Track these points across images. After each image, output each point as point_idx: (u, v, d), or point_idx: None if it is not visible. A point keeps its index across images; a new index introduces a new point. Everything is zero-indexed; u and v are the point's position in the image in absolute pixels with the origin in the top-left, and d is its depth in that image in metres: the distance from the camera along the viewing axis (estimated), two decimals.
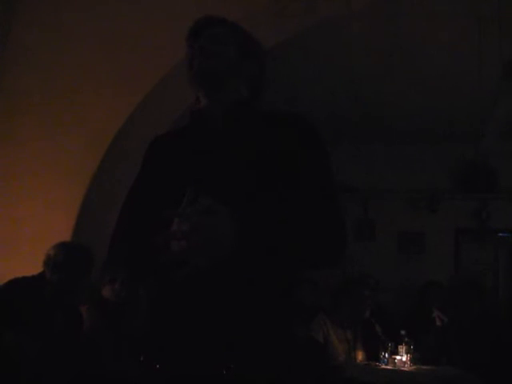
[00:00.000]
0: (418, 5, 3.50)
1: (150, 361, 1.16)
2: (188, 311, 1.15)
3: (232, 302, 1.12)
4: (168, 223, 1.06)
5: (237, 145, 1.24)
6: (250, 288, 1.13)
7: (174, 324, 1.17)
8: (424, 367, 3.48)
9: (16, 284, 2.61)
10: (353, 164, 5.66)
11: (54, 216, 3.20)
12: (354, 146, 5.75)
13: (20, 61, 3.43)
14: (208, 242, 1.03)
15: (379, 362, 3.55)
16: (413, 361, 3.52)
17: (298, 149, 1.23)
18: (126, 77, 3.24)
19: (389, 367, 3.47)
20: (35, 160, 3.27)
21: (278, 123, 1.27)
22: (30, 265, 2.76)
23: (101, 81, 3.27)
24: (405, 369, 3.46)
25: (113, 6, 3.31)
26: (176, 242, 1.04)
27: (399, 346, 3.58)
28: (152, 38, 3.19)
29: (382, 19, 3.66)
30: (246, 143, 1.24)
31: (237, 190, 1.17)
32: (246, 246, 1.06)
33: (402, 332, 3.66)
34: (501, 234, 5.81)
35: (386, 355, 3.53)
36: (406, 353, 3.53)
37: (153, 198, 1.27)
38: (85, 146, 3.24)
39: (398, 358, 3.52)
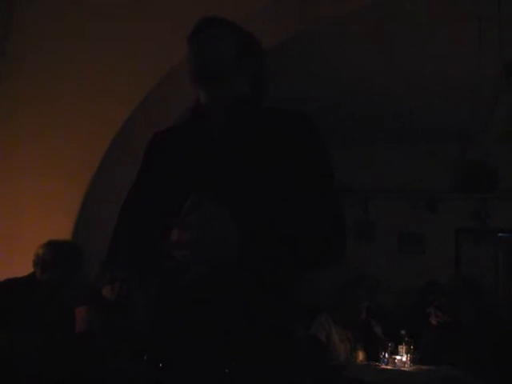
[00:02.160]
0: (418, 5, 3.50)
1: (154, 360, 1.16)
2: (191, 312, 1.15)
3: (234, 304, 1.12)
4: (169, 226, 1.06)
5: (238, 145, 1.24)
6: (252, 290, 1.13)
7: (177, 325, 1.17)
8: (424, 367, 3.48)
9: (8, 285, 2.60)
10: (353, 164, 5.67)
11: (54, 216, 3.20)
12: (354, 147, 5.75)
13: (20, 60, 3.43)
14: (210, 250, 1.03)
15: (379, 362, 3.54)
16: (413, 361, 3.52)
17: (300, 148, 1.23)
18: (126, 77, 3.24)
19: (389, 367, 3.47)
20: (35, 160, 3.28)
21: (280, 122, 1.27)
22: (30, 265, 2.76)
23: (101, 81, 3.27)
24: (405, 369, 3.46)
25: (113, 6, 3.31)
26: (177, 250, 1.04)
27: (399, 346, 3.58)
28: (152, 37, 3.19)
29: (382, 19, 3.66)
30: (247, 143, 1.24)
31: (238, 192, 1.17)
32: (248, 251, 1.06)
33: (402, 332, 3.66)
34: (501, 234, 5.81)
35: (386, 355, 3.53)
36: (406, 353, 3.53)
37: (153, 199, 1.26)
38: (85, 145, 3.24)
39: (398, 357, 3.52)
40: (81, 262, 2.72)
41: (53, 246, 2.69)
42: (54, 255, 2.65)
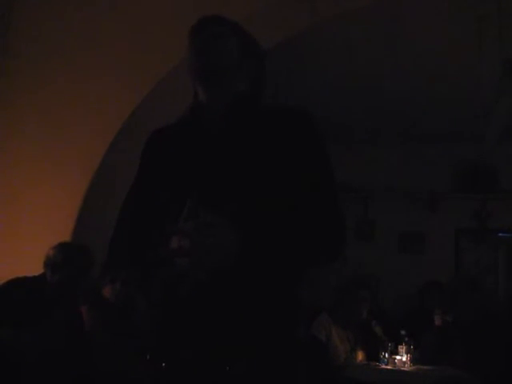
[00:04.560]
0: (418, 5, 3.50)
1: (156, 359, 1.16)
2: (191, 316, 1.15)
3: (235, 305, 1.13)
4: (167, 234, 1.07)
5: (237, 144, 1.24)
6: (253, 292, 1.13)
7: (178, 326, 1.17)
8: (424, 367, 3.48)
9: (17, 283, 2.61)
10: (353, 164, 5.66)
11: (54, 216, 3.20)
12: (355, 146, 5.75)
13: (21, 56, 3.42)
14: (209, 256, 1.03)
15: (379, 362, 3.55)
16: (413, 361, 3.52)
17: (298, 146, 1.22)
18: (125, 77, 3.24)
19: (389, 367, 3.47)
20: (35, 159, 3.27)
21: (279, 120, 1.26)
22: (29, 264, 2.76)
23: (101, 81, 3.26)
24: (405, 369, 3.46)
25: (113, 5, 3.31)
26: (178, 258, 1.04)
27: (399, 346, 3.58)
28: (152, 37, 3.19)
29: (382, 19, 3.66)
30: (246, 142, 1.24)
31: (237, 192, 1.17)
32: (248, 256, 1.06)
33: (402, 332, 3.66)
34: (501, 234, 5.81)
35: (386, 355, 3.53)
36: (406, 353, 3.53)
37: (152, 200, 1.26)
38: (85, 145, 3.24)
39: (398, 357, 3.52)
40: (90, 264, 2.74)
41: (63, 248, 2.71)
42: (64, 257, 2.67)
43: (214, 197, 1.12)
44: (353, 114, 5.21)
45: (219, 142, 1.25)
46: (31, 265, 2.73)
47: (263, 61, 1.39)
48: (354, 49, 4.08)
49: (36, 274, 2.71)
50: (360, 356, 3.69)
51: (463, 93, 4.47)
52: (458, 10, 3.48)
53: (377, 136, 5.67)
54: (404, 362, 3.50)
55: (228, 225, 1.05)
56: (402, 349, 3.55)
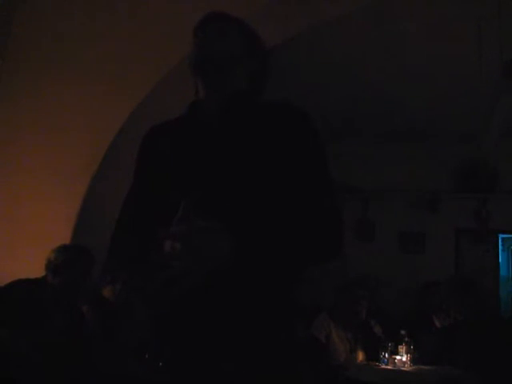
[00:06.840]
0: (418, 5, 3.50)
1: (154, 359, 1.16)
2: (188, 318, 1.15)
3: (230, 307, 1.13)
4: (161, 237, 1.07)
5: (233, 144, 1.23)
6: (248, 293, 1.14)
7: (174, 328, 1.18)
8: (424, 367, 3.48)
9: (18, 285, 2.61)
10: (353, 164, 5.67)
11: (54, 216, 3.20)
12: (354, 146, 5.75)
13: (20, 58, 3.43)
14: (200, 260, 1.03)
15: (379, 362, 3.55)
16: (413, 361, 3.53)
17: (295, 145, 1.22)
18: (126, 76, 3.24)
19: (389, 367, 3.48)
20: (35, 160, 3.27)
21: (275, 119, 1.26)
22: (29, 265, 2.76)
23: (101, 80, 3.26)
24: (405, 369, 3.46)
25: (114, 6, 3.31)
26: (171, 260, 1.04)
27: (399, 346, 3.58)
28: (152, 38, 3.19)
29: (382, 19, 3.66)
30: (242, 142, 1.23)
31: (232, 194, 1.17)
32: (243, 258, 1.06)
33: (402, 332, 3.66)
34: (501, 234, 5.81)
35: (386, 355, 3.53)
36: (406, 353, 3.54)
37: (150, 200, 1.27)
38: (85, 145, 3.24)
39: (398, 357, 3.53)
40: (91, 266, 2.74)
41: (64, 251, 2.72)
42: (65, 260, 2.67)
43: (209, 196, 1.12)
44: (353, 114, 5.21)
45: (215, 140, 1.25)
46: (31, 266, 2.73)
47: (266, 59, 1.39)
48: (354, 49, 4.08)
49: (37, 276, 2.71)
50: (360, 356, 3.69)
51: (463, 93, 4.47)
52: (458, 10, 3.48)
53: (377, 136, 5.67)
54: (404, 362, 3.51)
55: (221, 228, 1.05)
56: (402, 349, 3.56)
